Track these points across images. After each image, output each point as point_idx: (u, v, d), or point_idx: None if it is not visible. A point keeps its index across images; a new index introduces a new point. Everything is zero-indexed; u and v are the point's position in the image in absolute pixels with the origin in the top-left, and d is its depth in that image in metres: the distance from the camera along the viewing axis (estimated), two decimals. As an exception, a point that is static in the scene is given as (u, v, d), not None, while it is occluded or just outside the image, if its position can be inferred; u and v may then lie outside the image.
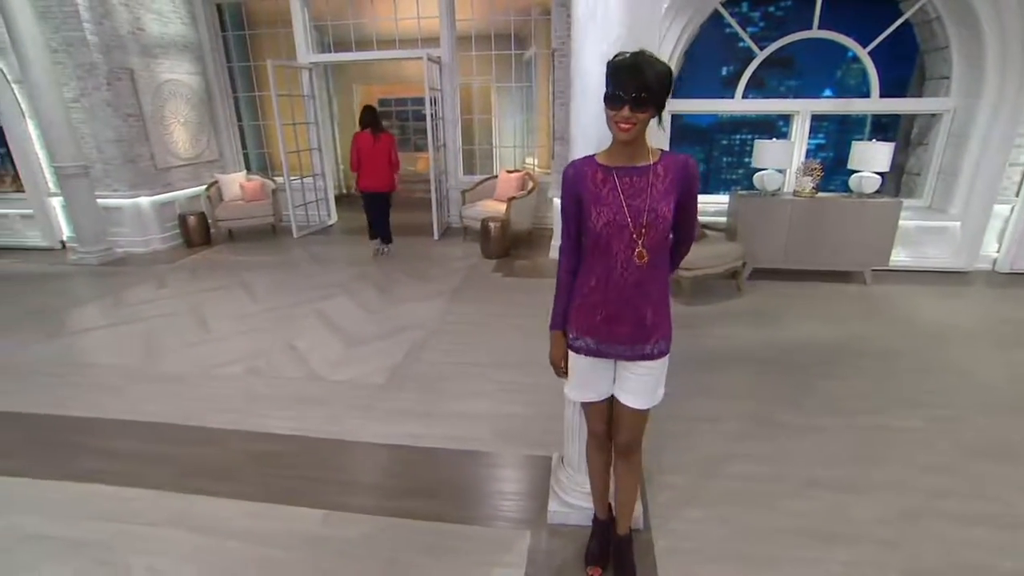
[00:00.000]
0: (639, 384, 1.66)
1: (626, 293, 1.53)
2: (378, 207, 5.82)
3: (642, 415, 1.72)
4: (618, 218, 1.46)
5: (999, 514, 2.17)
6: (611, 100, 1.36)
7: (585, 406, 1.80)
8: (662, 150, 1.50)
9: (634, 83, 1.32)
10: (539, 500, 2.25)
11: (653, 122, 1.42)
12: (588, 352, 1.65)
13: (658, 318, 1.58)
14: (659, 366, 1.65)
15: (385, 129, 5.61)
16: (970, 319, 4.17)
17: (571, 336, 1.67)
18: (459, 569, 1.95)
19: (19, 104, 6.07)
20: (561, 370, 1.76)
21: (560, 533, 2.07)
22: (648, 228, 1.45)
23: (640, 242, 1.46)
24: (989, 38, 4.50)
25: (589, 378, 1.70)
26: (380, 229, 5.94)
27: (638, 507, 2.09)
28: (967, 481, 2.37)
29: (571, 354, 1.70)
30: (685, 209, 1.52)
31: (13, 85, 6.00)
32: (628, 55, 1.35)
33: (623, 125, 1.36)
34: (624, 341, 1.60)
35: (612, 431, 1.79)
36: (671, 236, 1.56)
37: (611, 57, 1.37)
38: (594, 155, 1.53)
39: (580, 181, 1.51)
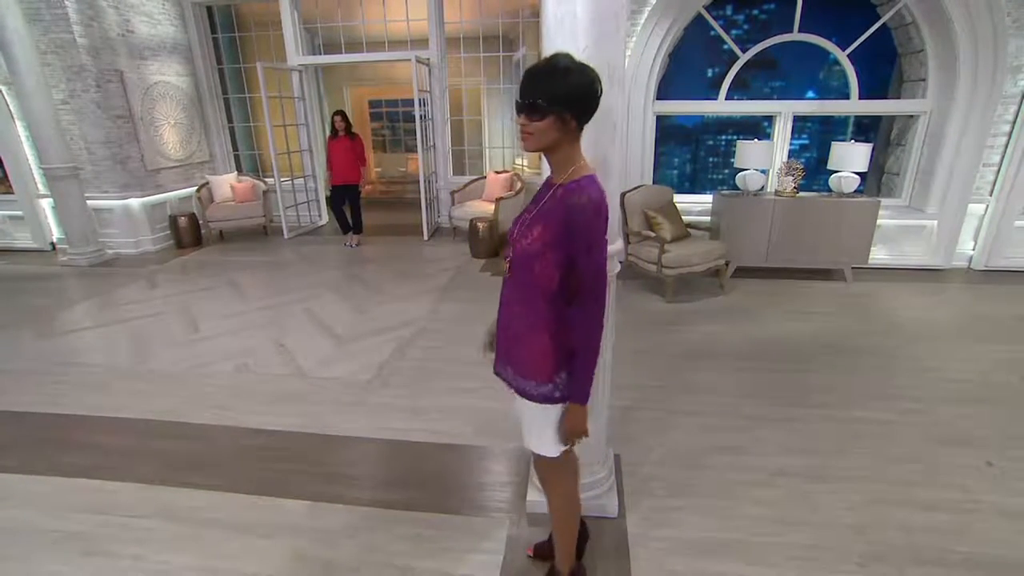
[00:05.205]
0: (522, 414, 1.56)
1: (503, 306, 1.50)
2: (352, 199, 6.40)
3: (536, 455, 1.60)
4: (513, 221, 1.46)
5: (959, 500, 2.27)
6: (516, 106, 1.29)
7: None
8: (588, 176, 1.32)
9: (529, 89, 1.25)
10: (518, 490, 2.32)
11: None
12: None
13: (531, 354, 1.43)
14: (538, 409, 1.49)
15: (356, 133, 6.32)
16: (945, 315, 4.27)
17: None
18: (439, 556, 2.01)
19: (8, 106, 6.09)
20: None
21: (538, 521, 2.13)
22: (516, 242, 1.40)
23: (510, 250, 1.42)
24: (961, 42, 4.61)
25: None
26: (355, 219, 6.51)
27: (612, 497, 2.17)
28: (931, 469, 2.46)
29: None
30: (571, 256, 1.31)
31: (2, 87, 6.01)
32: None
33: (522, 133, 1.30)
34: (500, 358, 1.55)
35: None
36: (557, 280, 1.35)
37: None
38: None
39: None
